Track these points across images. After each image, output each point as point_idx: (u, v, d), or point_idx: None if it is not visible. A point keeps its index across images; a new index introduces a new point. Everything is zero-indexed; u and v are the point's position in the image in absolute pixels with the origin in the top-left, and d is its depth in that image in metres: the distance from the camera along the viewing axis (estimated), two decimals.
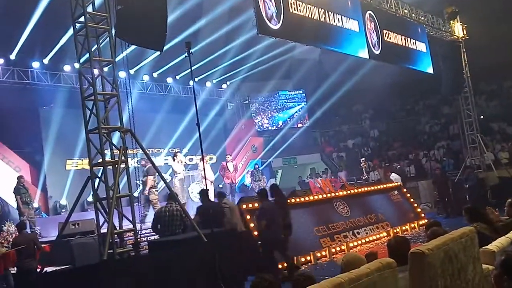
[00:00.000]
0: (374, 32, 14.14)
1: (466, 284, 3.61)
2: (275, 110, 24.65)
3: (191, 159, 18.80)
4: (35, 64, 15.98)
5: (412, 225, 12.05)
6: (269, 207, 8.10)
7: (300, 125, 24.66)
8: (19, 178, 12.54)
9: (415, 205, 13.41)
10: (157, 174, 10.54)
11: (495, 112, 22.52)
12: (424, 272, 3.33)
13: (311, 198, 10.86)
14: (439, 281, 3.42)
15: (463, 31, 18.26)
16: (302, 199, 10.61)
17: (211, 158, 18.57)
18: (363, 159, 19.14)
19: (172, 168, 14.04)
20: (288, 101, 24.78)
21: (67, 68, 16.56)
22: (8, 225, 11.29)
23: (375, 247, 9.86)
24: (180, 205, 7.89)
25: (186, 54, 6.86)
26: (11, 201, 13.10)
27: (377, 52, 14.14)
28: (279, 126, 24.42)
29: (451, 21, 18.00)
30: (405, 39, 15.62)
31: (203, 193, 8.99)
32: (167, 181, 10.28)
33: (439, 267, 3.44)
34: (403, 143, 23.51)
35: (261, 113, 24.45)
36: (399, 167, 18.01)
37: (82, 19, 7.25)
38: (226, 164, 15.59)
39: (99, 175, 7.30)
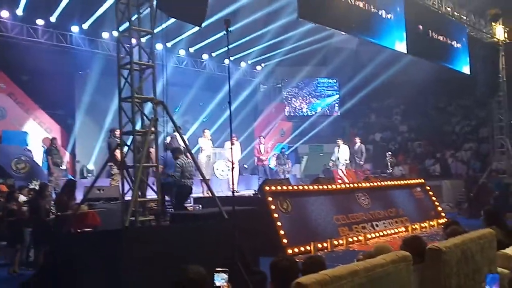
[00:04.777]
0: None
1: (479, 286, 3.58)
2: (313, 96, 24.57)
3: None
4: (74, 29, 16.13)
5: (432, 223, 11.94)
6: None
7: (334, 113, 24.57)
8: (53, 139, 12.88)
9: (437, 203, 13.27)
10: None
11: None
12: (440, 269, 3.33)
13: (334, 187, 10.90)
14: (453, 279, 3.42)
15: (504, 34, 17.73)
16: (325, 186, 10.65)
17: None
18: (389, 153, 18.95)
19: (199, 144, 14.20)
20: (327, 88, 24.68)
21: (105, 35, 16.72)
22: (35, 184, 11.53)
23: (392, 241, 9.84)
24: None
25: (224, 32, 6.80)
26: (40, 160, 13.49)
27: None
28: (317, 112, 24.42)
29: (493, 23, 17.50)
30: (444, 37, 15.29)
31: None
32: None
33: (454, 266, 3.43)
34: (431, 141, 23.15)
35: (300, 98, 24.40)
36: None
37: None
38: (259, 146, 15.67)
39: (128, 144, 7.40)
